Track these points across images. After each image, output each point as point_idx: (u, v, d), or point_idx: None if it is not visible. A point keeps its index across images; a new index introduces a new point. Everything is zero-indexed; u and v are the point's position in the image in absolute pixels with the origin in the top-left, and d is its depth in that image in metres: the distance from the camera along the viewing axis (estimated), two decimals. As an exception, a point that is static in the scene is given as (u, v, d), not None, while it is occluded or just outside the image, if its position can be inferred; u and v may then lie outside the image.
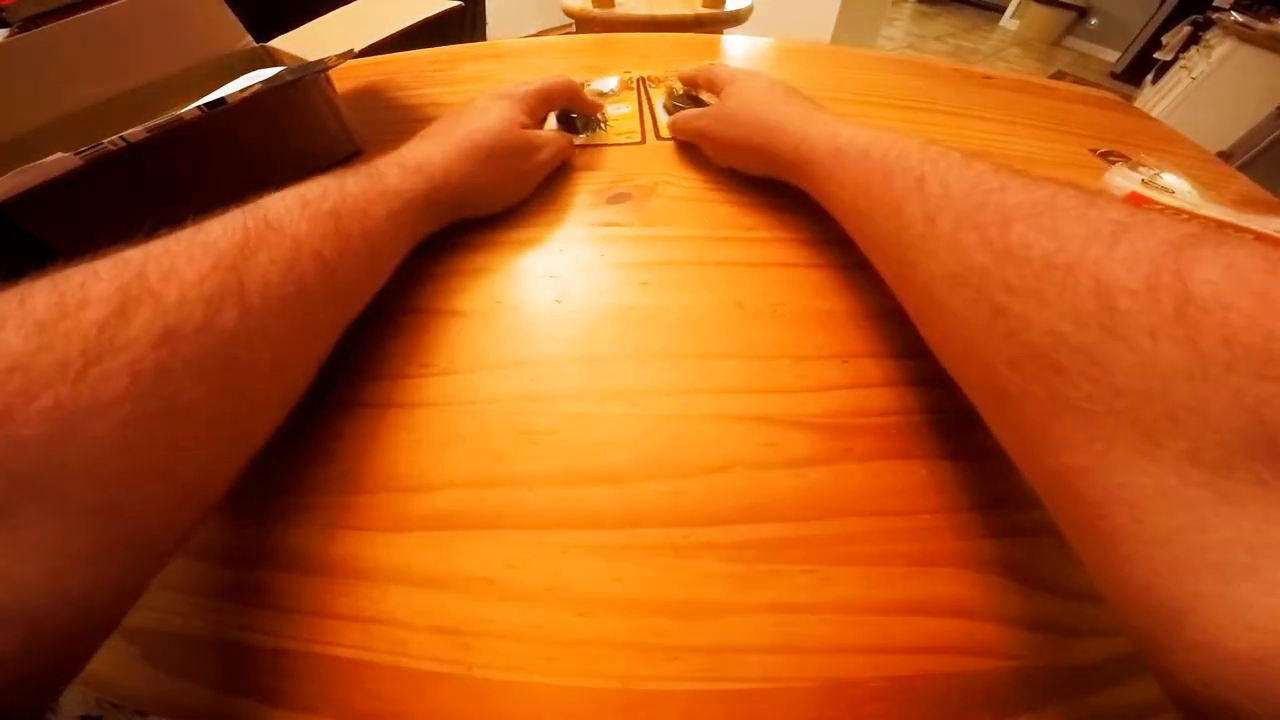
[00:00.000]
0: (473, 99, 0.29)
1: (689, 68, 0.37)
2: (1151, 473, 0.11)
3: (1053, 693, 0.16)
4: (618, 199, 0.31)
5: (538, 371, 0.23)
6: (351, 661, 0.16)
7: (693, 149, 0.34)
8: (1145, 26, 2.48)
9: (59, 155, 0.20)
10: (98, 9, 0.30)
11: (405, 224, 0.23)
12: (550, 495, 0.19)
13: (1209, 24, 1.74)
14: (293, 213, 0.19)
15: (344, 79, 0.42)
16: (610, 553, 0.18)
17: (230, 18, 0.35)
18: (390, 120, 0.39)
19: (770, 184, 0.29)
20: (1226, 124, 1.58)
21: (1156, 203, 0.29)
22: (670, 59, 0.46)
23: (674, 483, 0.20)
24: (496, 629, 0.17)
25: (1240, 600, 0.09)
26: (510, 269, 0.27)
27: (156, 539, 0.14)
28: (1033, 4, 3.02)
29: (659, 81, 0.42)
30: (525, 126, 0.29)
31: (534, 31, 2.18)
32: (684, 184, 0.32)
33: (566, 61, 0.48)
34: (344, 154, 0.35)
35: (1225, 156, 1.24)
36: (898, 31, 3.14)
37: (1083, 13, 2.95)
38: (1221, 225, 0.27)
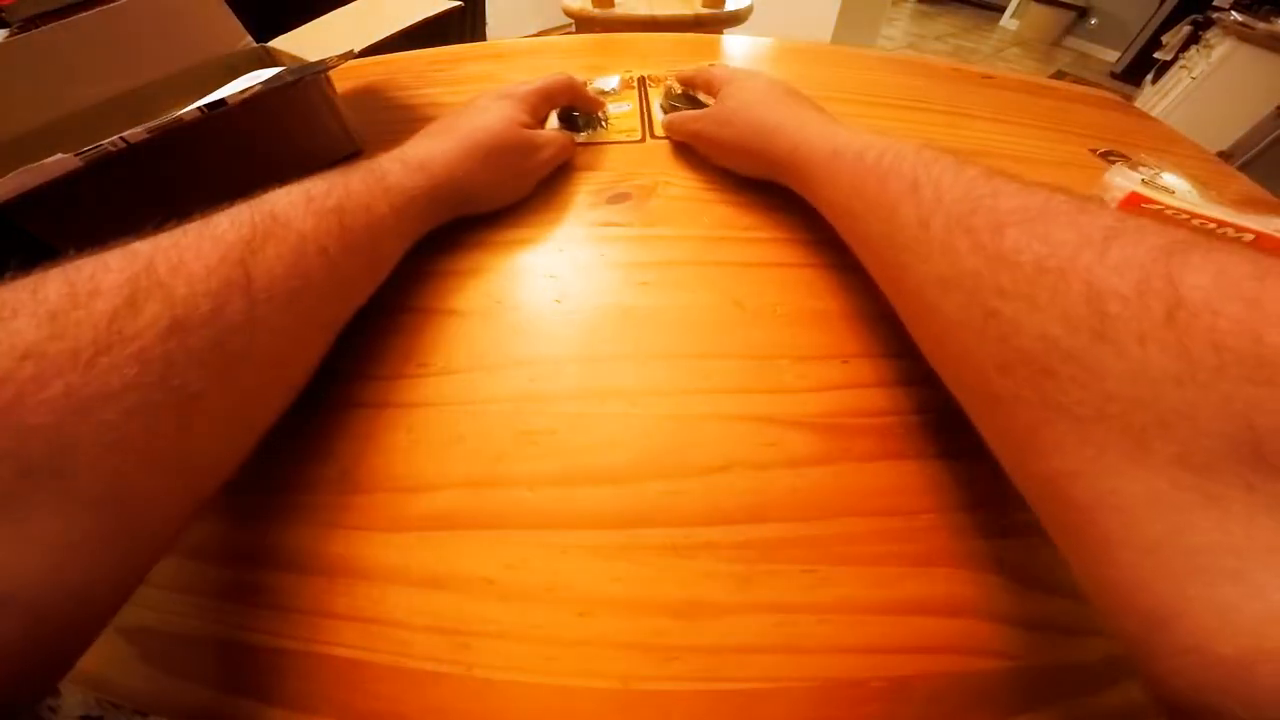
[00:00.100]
0: (474, 98, 0.29)
1: (687, 68, 0.37)
2: (1141, 478, 0.11)
3: (1052, 692, 0.16)
4: (617, 199, 0.31)
5: (537, 371, 0.23)
6: (351, 661, 0.16)
7: (692, 149, 0.34)
8: (1145, 26, 2.48)
9: (59, 155, 0.20)
10: (98, 9, 0.30)
11: (407, 220, 0.23)
12: (550, 495, 0.19)
13: (1209, 24, 1.74)
14: (298, 208, 0.19)
15: (344, 79, 0.42)
16: (610, 553, 0.18)
17: (230, 18, 0.35)
18: (390, 120, 0.39)
19: (769, 184, 0.29)
20: (1226, 124, 1.58)
21: (1156, 202, 0.29)
22: (670, 59, 0.46)
23: (674, 483, 0.20)
24: (496, 629, 0.17)
25: (1227, 604, 0.09)
26: (510, 269, 0.27)
27: (157, 528, 0.14)
28: (1033, 4, 3.02)
29: (658, 81, 0.42)
30: (527, 125, 0.29)
31: (534, 31, 2.18)
32: (684, 184, 0.32)
33: (567, 61, 0.48)
34: (344, 154, 0.35)
35: (1225, 156, 1.24)
36: (898, 31, 3.14)
37: (1083, 13, 2.95)
38: (1221, 225, 0.27)
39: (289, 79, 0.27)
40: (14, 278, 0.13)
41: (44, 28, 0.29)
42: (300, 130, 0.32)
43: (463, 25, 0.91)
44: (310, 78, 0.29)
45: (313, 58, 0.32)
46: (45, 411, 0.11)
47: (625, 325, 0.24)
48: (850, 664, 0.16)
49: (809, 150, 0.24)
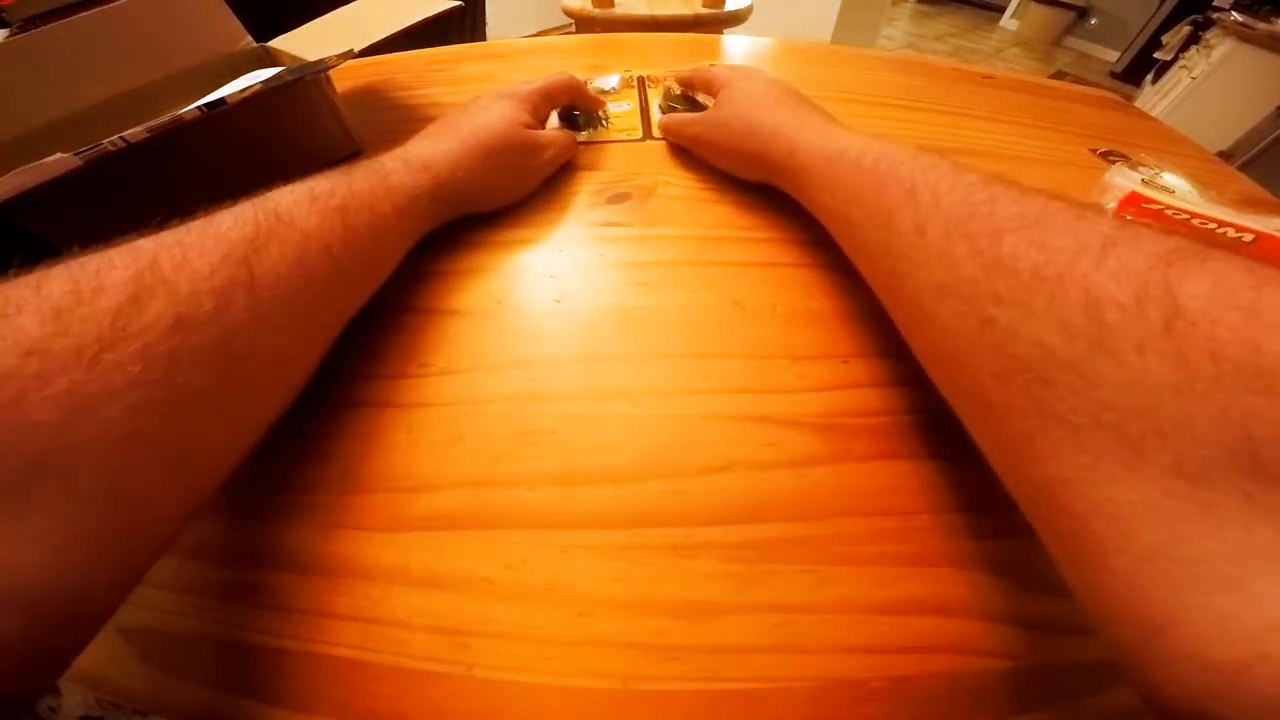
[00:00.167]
0: (476, 98, 0.29)
1: (685, 69, 0.37)
2: (1136, 486, 0.11)
3: (1051, 692, 0.16)
4: (618, 199, 0.31)
5: (538, 371, 0.23)
6: (351, 661, 0.16)
7: (691, 149, 0.34)
8: (1145, 26, 2.48)
9: (59, 155, 0.20)
10: (98, 9, 0.30)
11: (410, 219, 0.24)
12: (550, 495, 0.19)
13: (1209, 24, 1.74)
14: (301, 207, 0.19)
15: (344, 79, 0.42)
16: (610, 553, 0.18)
17: (230, 18, 0.35)
18: (390, 120, 0.39)
19: (769, 185, 0.29)
20: (1226, 124, 1.58)
21: (1156, 202, 0.29)
22: (670, 59, 0.46)
23: (674, 483, 0.20)
24: (496, 629, 0.17)
25: (1223, 612, 0.09)
26: (510, 269, 0.27)
27: (158, 526, 0.14)
28: (1033, 4, 3.02)
29: (658, 81, 0.42)
30: (529, 125, 0.29)
31: (534, 31, 2.18)
32: (684, 184, 0.32)
33: (567, 61, 0.48)
34: (344, 154, 0.35)
35: (1225, 156, 1.24)
36: (898, 31, 3.14)
37: (1083, 13, 2.95)
38: (1221, 225, 0.27)
39: (289, 79, 0.27)
40: (17, 274, 0.13)
41: (44, 28, 0.29)
42: (300, 130, 0.32)
43: (463, 25, 0.91)
44: (310, 78, 0.29)
45: (313, 58, 0.32)
46: (48, 408, 0.11)
47: (625, 325, 0.24)
48: (850, 664, 0.16)
49: (805, 155, 0.24)
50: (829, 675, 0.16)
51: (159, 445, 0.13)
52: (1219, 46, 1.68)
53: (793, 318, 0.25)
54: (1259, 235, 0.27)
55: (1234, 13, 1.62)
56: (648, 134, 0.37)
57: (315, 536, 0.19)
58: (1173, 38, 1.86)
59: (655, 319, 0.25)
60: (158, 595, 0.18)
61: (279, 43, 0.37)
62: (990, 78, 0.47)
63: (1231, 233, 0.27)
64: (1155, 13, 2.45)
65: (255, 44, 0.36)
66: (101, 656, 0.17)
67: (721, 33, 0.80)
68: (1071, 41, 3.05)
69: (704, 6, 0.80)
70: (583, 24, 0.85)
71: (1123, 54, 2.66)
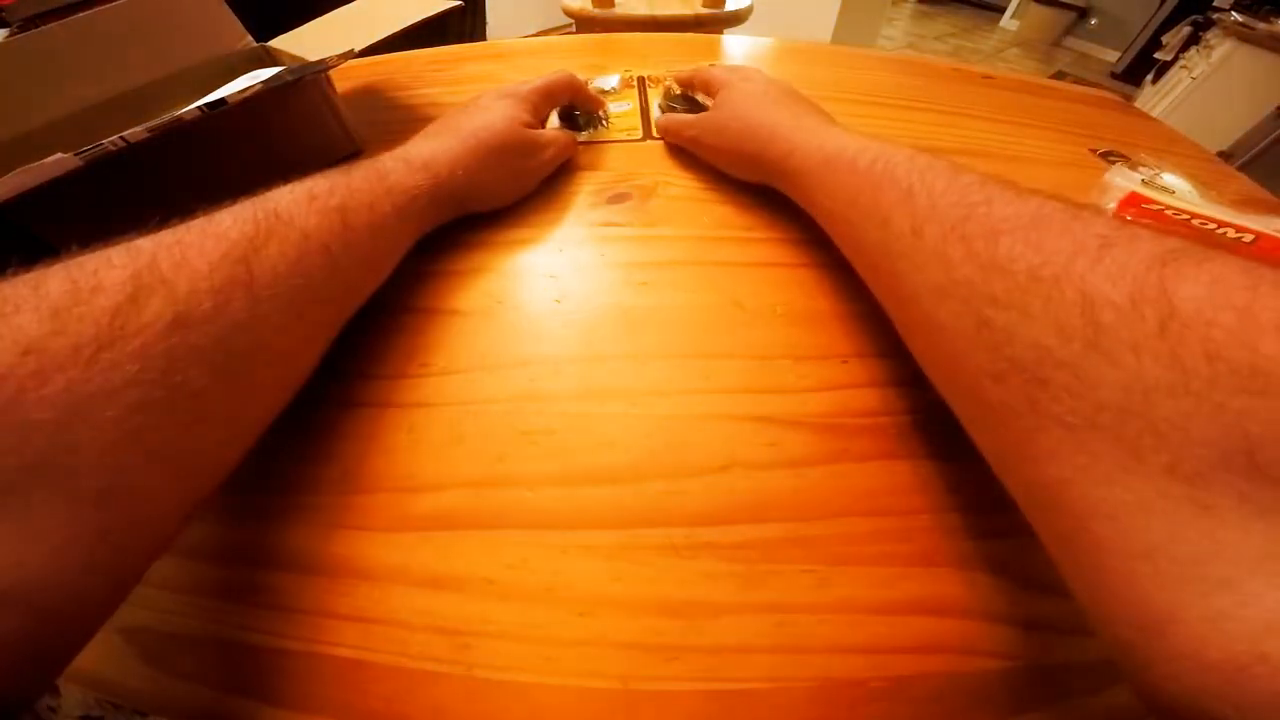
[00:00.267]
0: (476, 97, 0.29)
1: (684, 69, 0.37)
2: (1133, 487, 0.11)
3: (1052, 692, 0.16)
4: (618, 199, 0.31)
5: (538, 371, 0.23)
6: (351, 661, 0.16)
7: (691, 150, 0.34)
8: (1145, 26, 2.48)
9: (59, 155, 0.20)
10: (98, 9, 0.30)
11: (409, 219, 0.24)
12: (550, 495, 0.19)
13: (1209, 24, 1.73)
14: (300, 206, 0.19)
15: (344, 79, 0.42)
16: (610, 553, 0.18)
17: (230, 18, 0.35)
18: (390, 120, 0.39)
19: (767, 186, 0.29)
20: (1226, 124, 1.58)
21: (1156, 202, 0.29)
22: (670, 59, 0.46)
23: (674, 483, 0.20)
24: (496, 629, 0.17)
25: (1220, 612, 0.09)
26: (510, 269, 0.27)
27: (157, 524, 0.14)
28: (1033, 4, 3.02)
29: (658, 81, 0.42)
30: (529, 125, 0.29)
31: (534, 31, 2.18)
32: (684, 184, 0.32)
33: (567, 61, 0.48)
34: (344, 154, 0.35)
35: (1225, 156, 1.24)
36: (898, 31, 3.14)
37: (1083, 13, 2.95)
38: (1221, 225, 0.27)
39: (289, 79, 0.27)
40: (16, 274, 0.13)
41: (44, 28, 0.29)
42: (300, 130, 0.32)
43: (463, 25, 0.91)
44: (310, 78, 0.29)
45: (313, 58, 0.32)
46: (46, 407, 0.11)
47: (625, 325, 0.24)
48: (850, 664, 0.16)
49: (803, 157, 0.24)
50: (829, 675, 0.16)
51: (157, 444, 0.13)
52: (1219, 47, 1.68)
53: (793, 318, 0.25)
54: (1259, 235, 0.27)
55: (1234, 13, 1.62)
56: (648, 134, 0.37)
57: (316, 536, 0.19)
58: (1173, 38, 1.86)
59: (655, 319, 0.25)
60: (158, 595, 0.18)
61: (279, 43, 0.37)
62: (990, 78, 0.47)
63: (1231, 233, 0.27)
64: (1155, 13, 2.45)
65: (255, 44, 0.36)
66: (101, 656, 0.17)
67: (721, 33, 0.80)
68: (1071, 42, 3.05)
69: (704, 6, 0.80)
70: (583, 24, 0.85)
71: (1123, 54, 2.66)
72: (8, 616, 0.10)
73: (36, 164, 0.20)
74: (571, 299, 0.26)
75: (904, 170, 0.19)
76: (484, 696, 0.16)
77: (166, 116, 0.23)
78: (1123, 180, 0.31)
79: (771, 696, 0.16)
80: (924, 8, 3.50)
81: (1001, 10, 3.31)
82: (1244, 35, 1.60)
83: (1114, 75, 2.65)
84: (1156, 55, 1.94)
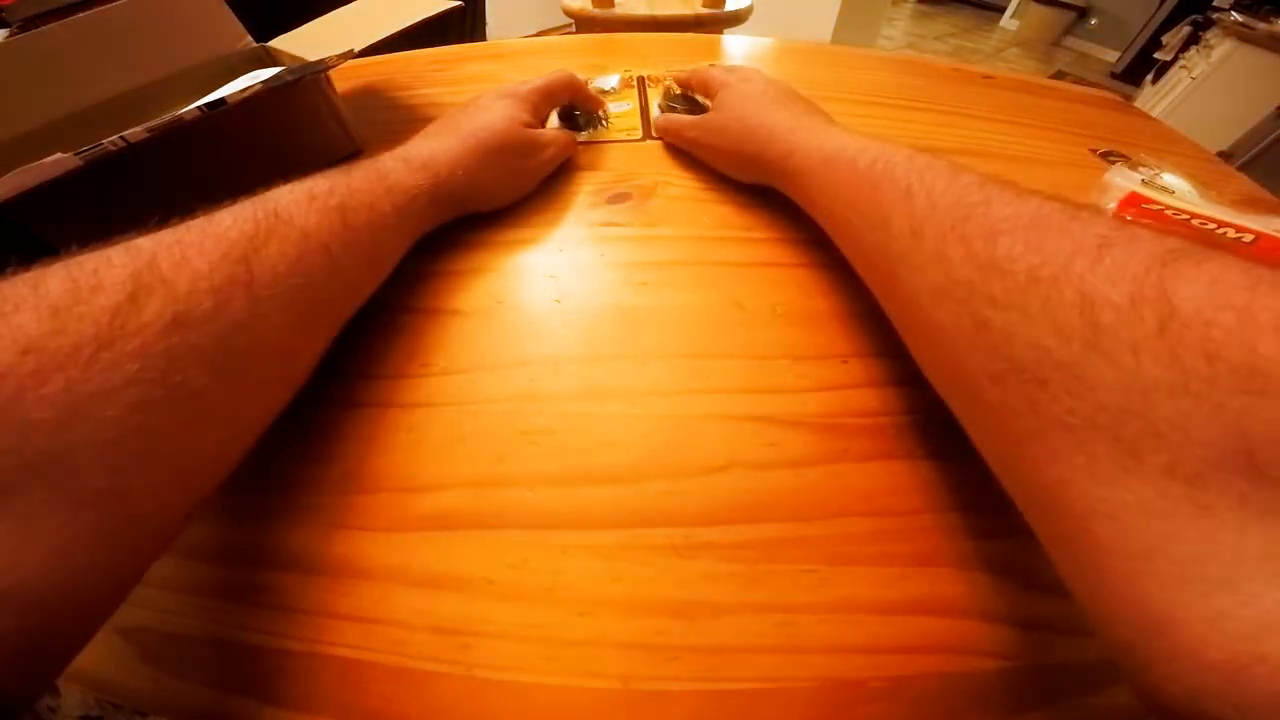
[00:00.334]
0: (476, 97, 0.29)
1: (684, 70, 0.37)
2: (1132, 487, 0.11)
3: (1051, 692, 0.16)
4: (618, 199, 0.31)
5: (538, 371, 0.23)
6: (351, 661, 0.16)
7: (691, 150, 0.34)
8: (1145, 26, 2.48)
9: (59, 155, 0.20)
10: (98, 9, 0.30)
11: (409, 219, 0.24)
12: (550, 495, 0.19)
13: (1209, 24, 1.74)
14: (300, 205, 0.19)
15: (344, 79, 0.42)
16: (610, 553, 0.18)
17: (230, 18, 0.35)
18: (390, 120, 0.39)
19: (767, 187, 0.29)
20: (1226, 124, 1.58)
21: (1156, 202, 0.29)
22: (670, 59, 0.46)
23: (674, 483, 0.20)
24: (496, 629, 0.17)
25: (1219, 612, 0.09)
26: (510, 269, 0.27)
27: (156, 525, 0.14)
28: (1033, 4, 3.02)
29: (658, 81, 0.42)
30: (529, 125, 0.29)
31: (534, 31, 2.18)
32: (684, 184, 0.32)
33: (567, 62, 0.48)
34: (344, 154, 0.35)
35: (1225, 156, 1.24)
36: (898, 31, 3.14)
37: (1083, 13, 2.95)
38: (1221, 225, 0.27)
39: (289, 79, 0.27)
40: (15, 273, 0.13)
41: (44, 28, 0.29)
42: (300, 130, 0.32)
43: (463, 25, 0.91)
44: (310, 78, 0.29)
45: (313, 58, 0.32)
46: (46, 407, 0.11)
47: (625, 325, 0.24)
48: (850, 664, 0.16)
49: (802, 157, 0.24)
50: (829, 675, 0.16)
51: (157, 444, 0.13)
52: (1219, 46, 1.68)
53: (793, 318, 0.25)
54: (1259, 235, 0.27)
55: (1234, 13, 1.62)
56: (648, 134, 0.37)
57: (316, 536, 0.19)
58: (1173, 38, 1.86)
59: (655, 319, 0.25)
60: (158, 595, 0.18)
61: (279, 43, 0.37)
62: (990, 78, 0.47)
63: (1231, 233, 0.27)
64: (1155, 13, 2.45)
65: (255, 44, 0.36)
66: (101, 656, 0.17)
67: (721, 33, 0.80)
68: (1071, 41, 3.05)
69: (704, 6, 0.80)
70: (583, 24, 0.85)
71: (1123, 54, 2.66)
72: (6, 617, 0.10)
73: (36, 164, 0.20)
74: (571, 299, 0.26)
75: (903, 170, 0.19)
76: (484, 696, 0.16)
77: (166, 116, 0.23)
78: (1123, 180, 0.31)
79: (771, 696, 0.16)
80: (924, 8, 3.50)
81: (1001, 10, 3.31)
82: (1244, 35, 1.60)
83: (1114, 75, 2.65)
84: (1156, 55, 1.94)
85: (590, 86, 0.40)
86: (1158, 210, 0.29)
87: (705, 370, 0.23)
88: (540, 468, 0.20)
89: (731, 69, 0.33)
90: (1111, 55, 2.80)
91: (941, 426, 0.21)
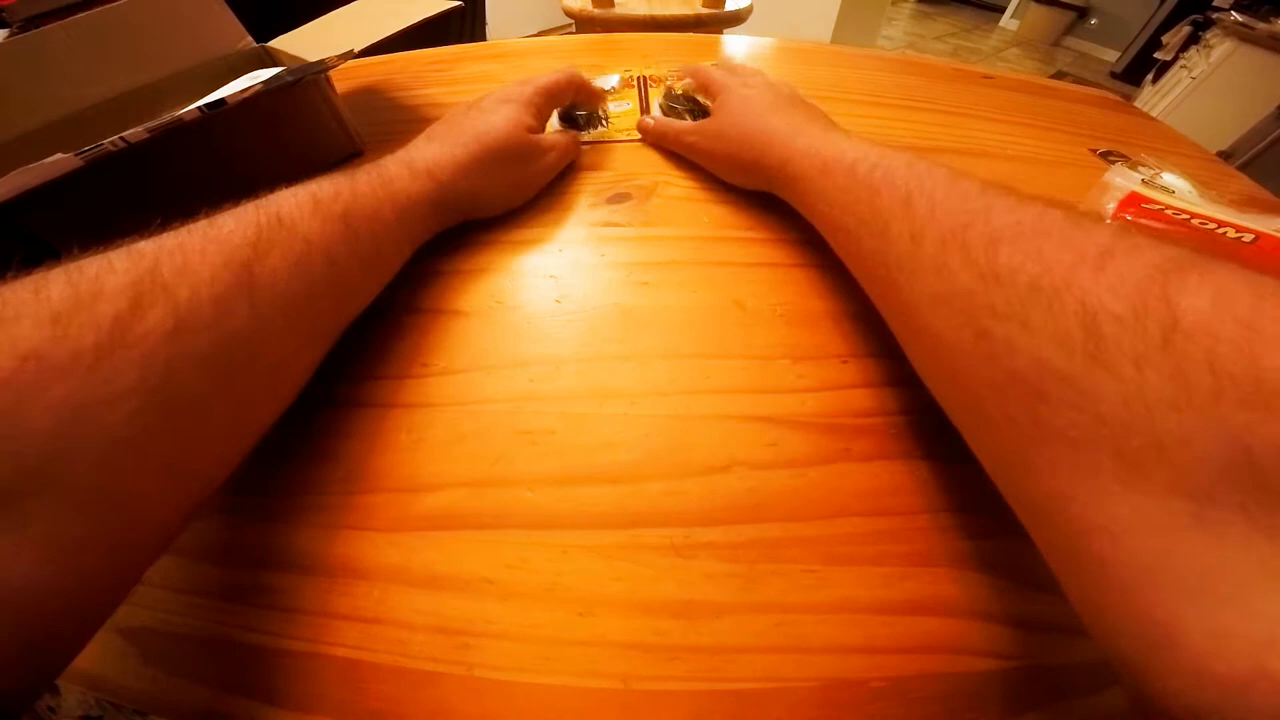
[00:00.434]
0: (479, 99, 0.29)
1: (687, 66, 0.37)
2: (1134, 502, 0.10)
3: (1051, 692, 0.16)
4: (618, 199, 0.31)
5: (538, 371, 0.23)
6: (351, 661, 0.16)
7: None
8: (1145, 26, 2.48)
9: (59, 155, 0.20)
10: (98, 9, 0.30)
11: (412, 226, 0.24)
12: (550, 495, 0.19)
13: (1209, 24, 1.74)
14: (304, 212, 0.19)
15: (344, 79, 0.42)
16: (610, 553, 0.18)
17: (230, 18, 0.35)
18: (390, 120, 0.39)
19: (767, 193, 0.29)
20: (1226, 124, 1.58)
21: (1156, 202, 0.29)
22: (670, 59, 0.46)
23: (674, 483, 0.20)
24: (496, 629, 0.17)
25: (1222, 628, 0.09)
26: (510, 269, 0.27)
27: (156, 529, 0.14)
28: (1033, 4, 3.02)
29: (658, 81, 0.42)
30: (532, 129, 0.28)
31: (534, 31, 2.18)
32: (684, 184, 0.32)
33: (567, 62, 0.48)
34: (344, 154, 0.35)
35: (1225, 156, 1.24)
36: (898, 31, 3.14)
37: (1083, 13, 2.95)
38: (1221, 225, 0.27)
39: (289, 79, 0.27)
40: (16, 277, 0.13)
41: (44, 28, 0.29)
42: (300, 130, 0.32)
43: (463, 25, 0.91)
44: (310, 78, 0.29)
45: (313, 58, 0.32)
46: (45, 415, 0.11)
47: (625, 325, 0.24)
48: (850, 664, 0.16)
49: (801, 163, 0.24)
50: (829, 675, 0.16)
51: (156, 451, 0.13)
52: (1219, 46, 1.68)
53: (793, 318, 0.25)
54: (1259, 235, 0.27)
55: (1234, 13, 1.62)
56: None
57: (316, 537, 0.19)
58: (1173, 38, 1.86)
59: (655, 319, 0.25)
60: (158, 595, 0.18)
61: (279, 43, 0.37)
62: (990, 78, 0.47)
63: (1231, 233, 0.27)
64: (1155, 13, 2.45)
65: (255, 44, 0.36)
66: (101, 656, 0.17)
67: (721, 33, 0.80)
68: (1071, 41, 3.05)
69: (704, 6, 0.80)
70: (583, 24, 0.85)
71: (1123, 54, 2.66)
72: (2, 621, 0.10)
73: (36, 164, 0.20)
74: (572, 299, 0.26)
75: (902, 177, 0.19)
76: (484, 696, 0.16)
77: (166, 116, 0.23)
78: (1123, 180, 0.31)
79: (771, 696, 0.16)
80: (924, 8, 3.50)
81: (1001, 10, 3.31)
82: (1244, 35, 1.60)
83: (1114, 75, 2.65)
84: (1156, 55, 1.94)
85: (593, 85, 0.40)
86: (1158, 210, 0.29)
87: (705, 370, 0.23)
88: (540, 468, 0.20)
89: (733, 70, 0.33)
90: (1111, 55, 2.80)
91: (941, 427, 0.21)
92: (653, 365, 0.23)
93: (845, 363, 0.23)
